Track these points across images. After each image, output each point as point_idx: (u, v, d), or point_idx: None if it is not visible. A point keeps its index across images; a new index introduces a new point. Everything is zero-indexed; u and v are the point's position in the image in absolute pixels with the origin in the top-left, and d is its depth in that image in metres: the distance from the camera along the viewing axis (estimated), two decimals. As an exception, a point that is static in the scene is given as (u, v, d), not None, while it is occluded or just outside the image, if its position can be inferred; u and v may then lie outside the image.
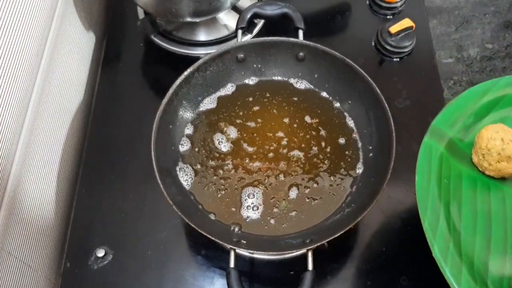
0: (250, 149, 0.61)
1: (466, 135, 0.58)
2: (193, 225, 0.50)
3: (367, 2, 0.81)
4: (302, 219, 0.56)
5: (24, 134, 0.56)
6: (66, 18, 0.68)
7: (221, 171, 0.59)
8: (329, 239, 0.50)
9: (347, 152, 0.61)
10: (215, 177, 0.59)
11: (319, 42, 0.62)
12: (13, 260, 0.54)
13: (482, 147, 0.55)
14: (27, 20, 0.55)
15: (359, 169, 0.59)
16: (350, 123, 0.63)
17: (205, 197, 0.58)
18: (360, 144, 0.61)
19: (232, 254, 0.51)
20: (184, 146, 0.61)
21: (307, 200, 0.57)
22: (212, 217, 0.56)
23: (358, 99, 0.61)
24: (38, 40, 0.59)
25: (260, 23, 0.77)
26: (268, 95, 0.65)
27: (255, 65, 0.65)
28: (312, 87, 0.65)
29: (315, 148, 0.61)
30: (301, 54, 0.63)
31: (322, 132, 0.62)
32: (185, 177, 0.59)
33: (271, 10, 0.65)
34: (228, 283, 0.49)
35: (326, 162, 0.60)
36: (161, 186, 0.52)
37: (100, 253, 0.59)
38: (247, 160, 0.60)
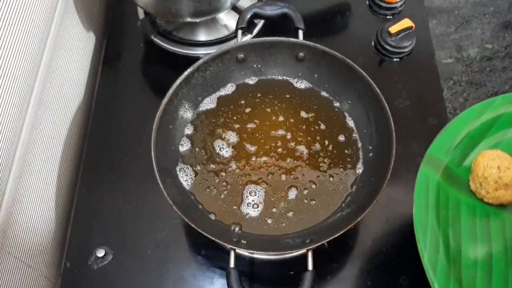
0: (250, 148, 0.61)
1: (462, 160, 0.58)
2: (193, 225, 0.50)
3: (367, 2, 0.81)
4: (301, 220, 0.56)
5: (24, 134, 0.56)
6: (66, 18, 0.68)
7: (222, 172, 0.59)
8: (329, 239, 0.50)
9: (347, 152, 0.61)
10: (215, 177, 0.59)
11: (319, 42, 0.62)
12: (13, 260, 0.54)
13: (479, 175, 0.54)
14: (27, 20, 0.55)
15: (359, 169, 0.59)
16: (350, 123, 0.63)
17: (205, 197, 0.58)
18: (360, 144, 0.61)
19: (232, 254, 0.51)
20: (184, 146, 0.61)
21: (306, 201, 0.57)
22: (212, 217, 0.56)
23: (358, 99, 0.61)
24: (38, 40, 0.59)
25: (260, 23, 0.77)
26: (268, 95, 0.65)
27: (255, 65, 0.65)
28: (312, 87, 0.65)
29: (314, 148, 0.61)
30: (301, 54, 0.63)
31: (322, 132, 0.62)
32: (185, 177, 0.59)
33: (271, 10, 0.65)
34: (228, 283, 0.49)
35: (326, 161, 0.60)
36: (161, 186, 0.52)
37: (100, 253, 0.59)
38: (247, 160, 0.60)
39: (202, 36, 0.76)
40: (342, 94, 0.63)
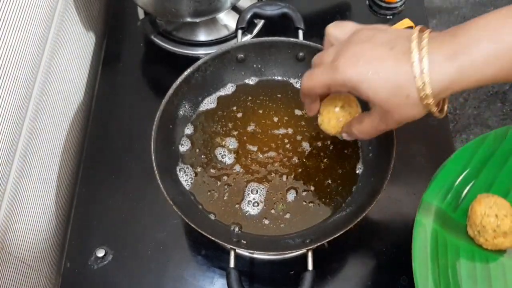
0: (251, 148, 0.61)
1: (458, 203, 0.57)
2: (193, 225, 0.50)
3: (367, 2, 0.81)
4: (300, 221, 0.56)
5: (24, 134, 0.56)
6: (66, 18, 0.68)
7: (223, 176, 0.59)
8: (329, 239, 0.50)
9: (346, 152, 0.60)
10: (215, 179, 0.59)
11: (319, 42, 0.61)
12: (13, 260, 0.54)
13: (476, 223, 0.53)
14: (27, 20, 0.55)
15: (359, 169, 0.59)
16: (350, 123, 0.62)
17: (205, 197, 0.58)
18: (360, 144, 0.61)
19: (232, 254, 0.51)
20: (184, 146, 0.61)
21: (304, 203, 0.57)
22: (212, 217, 0.56)
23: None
24: (38, 40, 0.59)
25: (260, 23, 0.77)
26: (268, 95, 0.65)
27: (255, 65, 0.65)
28: (312, 87, 0.65)
29: (314, 148, 0.61)
30: (301, 54, 0.63)
31: (322, 132, 0.62)
32: (185, 177, 0.59)
33: (271, 10, 0.65)
34: (228, 283, 0.49)
35: (325, 161, 0.60)
36: (161, 186, 0.52)
37: (100, 253, 0.59)
38: (248, 161, 0.60)
39: (202, 36, 0.76)
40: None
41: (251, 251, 0.58)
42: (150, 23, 0.75)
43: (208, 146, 0.61)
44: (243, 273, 0.57)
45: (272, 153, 0.60)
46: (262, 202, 0.57)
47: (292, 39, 0.62)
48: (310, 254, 0.50)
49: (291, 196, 0.58)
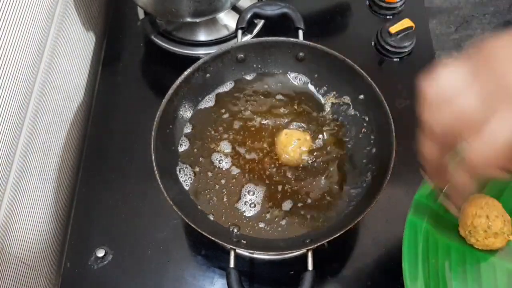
0: (251, 148, 0.61)
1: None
2: (193, 225, 0.50)
3: (367, 2, 0.81)
4: (300, 222, 0.56)
5: (24, 134, 0.56)
6: (66, 18, 0.68)
7: (222, 180, 0.59)
8: (329, 239, 0.50)
9: (346, 152, 0.60)
10: (214, 177, 0.59)
11: (319, 42, 0.62)
12: (13, 260, 0.54)
13: (467, 224, 0.53)
14: (27, 20, 0.55)
15: (359, 169, 0.59)
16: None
17: (205, 197, 0.58)
18: (360, 144, 0.61)
19: (232, 254, 0.51)
20: (184, 146, 0.61)
21: (301, 205, 0.57)
22: (212, 217, 0.56)
23: (358, 99, 0.61)
24: (38, 40, 0.59)
25: (260, 23, 0.77)
26: (267, 94, 0.65)
27: (255, 65, 0.65)
28: (311, 86, 0.65)
29: (314, 148, 0.61)
30: (301, 54, 0.63)
31: (321, 132, 0.62)
32: (185, 177, 0.59)
33: (271, 10, 0.65)
34: (228, 283, 0.49)
35: (325, 161, 0.60)
36: (161, 186, 0.52)
37: (100, 253, 0.59)
38: (246, 163, 0.60)
39: (202, 36, 0.76)
40: (342, 94, 0.63)
41: (251, 251, 0.58)
42: (150, 23, 0.76)
43: (207, 146, 0.61)
44: (243, 273, 0.57)
45: (271, 153, 0.60)
46: (259, 204, 0.57)
47: (292, 39, 0.62)
48: (310, 254, 0.50)
49: (286, 206, 0.57)
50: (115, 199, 0.64)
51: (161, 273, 0.59)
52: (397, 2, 0.79)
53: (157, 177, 0.52)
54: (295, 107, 0.64)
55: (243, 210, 0.57)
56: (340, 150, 0.61)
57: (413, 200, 0.55)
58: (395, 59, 0.75)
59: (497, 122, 0.32)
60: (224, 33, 0.77)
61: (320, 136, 0.61)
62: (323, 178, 0.59)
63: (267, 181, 0.59)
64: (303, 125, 0.62)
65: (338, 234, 0.49)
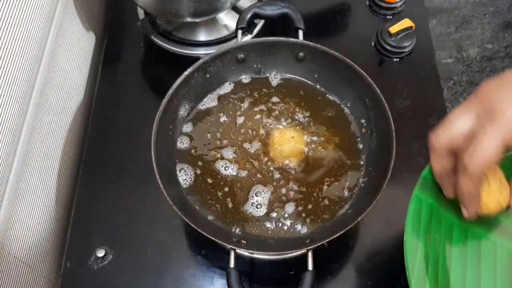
0: (251, 149, 0.61)
1: None
2: (193, 225, 0.50)
3: (367, 2, 0.81)
4: (300, 222, 0.56)
5: (24, 134, 0.56)
6: (66, 18, 0.68)
7: (220, 172, 0.59)
8: (329, 239, 0.50)
9: (346, 152, 0.60)
10: (214, 178, 0.59)
11: (319, 42, 0.62)
12: (13, 260, 0.54)
13: None
14: (27, 20, 0.55)
15: (359, 170, 0.59)
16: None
17: (205, 197, 0.58)
18: (360, 144, 0.61)
19: (232, 254, 0.51)
20: (184, 146, 0.61)
21: (302, 205, 0.57)
22: (212, 217, 0.56)
23: (358, 99, 0.61)
24: (38, 40, 0.59)
25: (260, 23, 0.77)
26: (267, 94, 0.65)
27: (255, 65, 0.65)
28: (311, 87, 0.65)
29: (314, 148, 0.61)
30: (301, 54, 0.63)
31: (321, 133, 0.62)
32: (185, 177, 0.59)
33: (271, 10, 0.65)
34: (228, 283, 0.49)
35: (325, 161, 0.60)
36: (161, 186, 0.52)
37: (100, 253, 0.59)
38: (247, 161, 0.60)
39: (202, 36, 0.76)
40: (342, 94, 0.63)
41: (251, 251, 0.58)
42: (150, 23, 0.76)
43: (207, 146, 0.61)
44: (243, 273, 0.57)
45: (271, 153, 0.60)
46: (265, 205, 0.57)
47: (292, 39, 0.62)
48: (310, 254, 0.50)
49: (287, 206, 0.57)
50: (115, 199, 0.64)
51: (161, 273, 0.59)
52: (397, 2, 0.79)
53: (157, 177, 0.52)
54: (295, 107, 0.64)
55: (243, 210, 0.57)
56: (340, 150, 0.61)
57: (420, 177, 0.55)
58: (395, 59, 0.75)
59: (482, 135, 0.42)
60: (224, 33, 0.77)
61: (320, 136, 0.61)
62: (323, 178, 0.59)
63: (267, 181, 0.59)
64: (302, 124, 0.62)
65: (338, 234, 0.49)
